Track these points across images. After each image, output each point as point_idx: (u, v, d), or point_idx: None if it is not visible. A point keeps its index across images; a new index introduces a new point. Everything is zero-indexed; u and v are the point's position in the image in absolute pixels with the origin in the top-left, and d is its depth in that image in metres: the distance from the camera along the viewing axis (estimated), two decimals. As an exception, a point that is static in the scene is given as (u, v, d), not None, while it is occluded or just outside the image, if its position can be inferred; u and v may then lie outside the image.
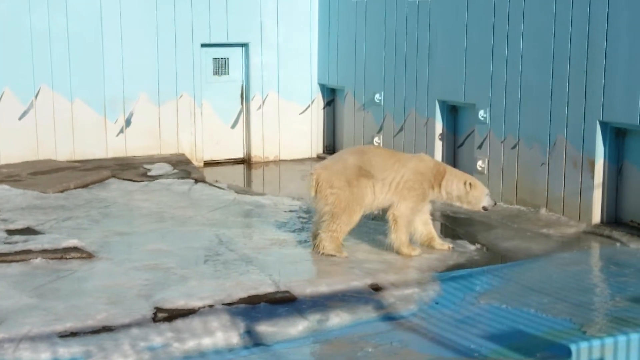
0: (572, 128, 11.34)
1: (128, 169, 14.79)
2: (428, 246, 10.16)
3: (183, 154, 16.10)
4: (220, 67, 16.75)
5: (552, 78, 11.58)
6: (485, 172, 12.74)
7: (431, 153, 13.87)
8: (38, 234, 10.39)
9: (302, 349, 7.26)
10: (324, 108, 17.31)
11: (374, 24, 15.26)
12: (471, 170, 12.96)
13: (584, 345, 7.06)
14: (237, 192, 13.37)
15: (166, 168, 14.87)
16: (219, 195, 13.07)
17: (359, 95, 15.83)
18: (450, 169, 10.24)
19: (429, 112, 14.01)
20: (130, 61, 15.68)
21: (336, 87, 16.86)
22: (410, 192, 9.81)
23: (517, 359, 6.93)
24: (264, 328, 7.55)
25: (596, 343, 7.12)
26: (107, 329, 7.42)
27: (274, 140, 16.96)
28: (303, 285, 8.54)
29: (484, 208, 10.15)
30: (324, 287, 8.52)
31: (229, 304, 7.98)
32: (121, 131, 15.87)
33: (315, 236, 10.00)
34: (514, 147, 12.23)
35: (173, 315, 7.73)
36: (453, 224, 11.54)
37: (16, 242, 9.92)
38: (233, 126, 16.96)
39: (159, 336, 7.33)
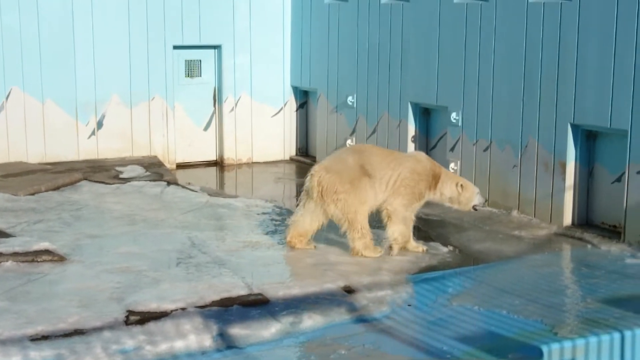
0: (544, 131, 11.41)
1: (100, 171, 14.71)
2: (402, 248, 10.20)
3: (155, 156, 16.04)
4: (192, 69, 16.70)
5: (523, 81, 11.65)
6: (458, 174, 12.76)
7: (404, 155, 13.90)
8: (9, 236, 10.30)
9: (275, 351, 7.25)
10: (296, 110, 17.30)
11: (347, 27, 15.28)
12: (443, 172, 13.03)
13: (555, 346, 7.11)
14: (210, 195, 13.34)
15: (138, 170, 14.80)
16: (192, 197, 13.03)
17: (331, 98, 15.84)
18: (445, 170, 10.40)
19: (402, 115, 14.05)
20: (102, 63, 15.59)
21: (309, 89, 16.86)
22: (406, 189, 9.91)
23: (489, 360, 6.99)
24: (236, 331, 7.54)
25: (567, 344, 7.17)
26: (78, 332, 7.38)
27: (246, 142, 16.92)
28: (276, 287, 8.53)
29: (474, 207, 10.32)
30: (296, 290, 8.52)
31: (201, 307, 7.96)
32: (93, 133, 15.79)
33: (292, 246, 10.05)
34: (486, 150, 12.29)
35: (145, 318, 7.70)
36: (425, 226, 11.56)
37: (-14, 245, 9.85)
38: (206, 128, 16.92)
39: (131, 339, 7.30)
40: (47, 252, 9.66)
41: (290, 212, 12.31)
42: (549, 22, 11.24)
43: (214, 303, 8.08)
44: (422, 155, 10.39)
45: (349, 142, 15.24)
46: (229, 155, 16.84)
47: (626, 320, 7.65)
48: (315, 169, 9.98)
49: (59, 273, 9.09)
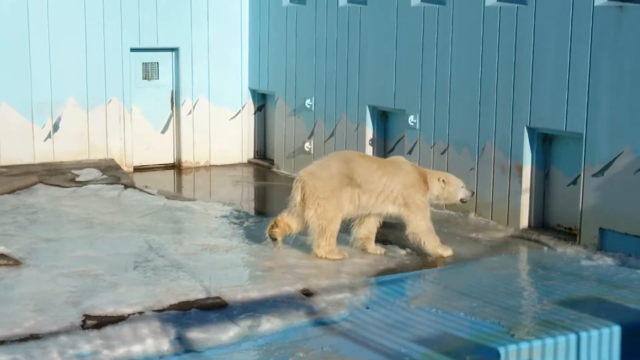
0: (500, 134, 11.50)
1: (56, 174, 14.57)
2: (362, 249, 10.27)
3: (112, 160, 15.91)
4: (150, 72, 16.60)
5: (480, 84, 11.74)
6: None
7: (362, 158, 13.93)
8: (-37, 240, 10.20)
9: (233, 355, 7.23)
10: (254, 113, 17.26)
11: (305, 29, 15.29)
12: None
13: (512, 348, 7.17)
14: (168, 198, 13.27)
15: (95, 173, 14.69)
16: (149, 200, 12.95)
17: (289, 101, 15.83)
18: (429, 171, 10.52)
19: (360, 118, 14.08)
20: (58, 65, 15.44)
21: (267, 92, 16.83)
22: (413, 205, 10.07)
23: (447, 362, 7.02)
24: (194, 334, 7.50)
25: (524, 346, 7.24)
26: (34, 337, 7.31)
27: (204, 145, 16.85)
28: (234, 290, 8.52)
29: (462, 200, 10.48)
30: (255, 293, 8.50)
31: (159, 311, 7.92)
32: (49, 136, 15.62)
33: (274, 238, 10.15)
34: (443, 153, 12.35)
35: (102, 322, 7.65)
36: (383, 229, 11.57)
37: (-60, 249, 9.73)
38: (163, 131, 16.82)
39: (88, 344, 7.24)
40: (2, 256, 9.56)
41: (248, 215, 12.37)
42: (505, 26, 11.33)
43: (171, 307, 8.05)
44: (407, 164, 10.45)
45: (307, 145, 15.25)
46: (187, 158, 16.76)
47: (582, 322, 7.73)
48: (301, 174, 10.13)
49: (14, 277, 9.00)
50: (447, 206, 12.17)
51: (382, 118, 14.07)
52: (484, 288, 9.08)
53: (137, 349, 7.25)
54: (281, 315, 7.94)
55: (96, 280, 8.87)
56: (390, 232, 11.39)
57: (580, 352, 7.46)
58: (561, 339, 7.40)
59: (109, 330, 7.50)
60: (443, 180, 10.28)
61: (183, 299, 8.25)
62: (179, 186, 15.69)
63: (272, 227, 10.18)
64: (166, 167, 16.76)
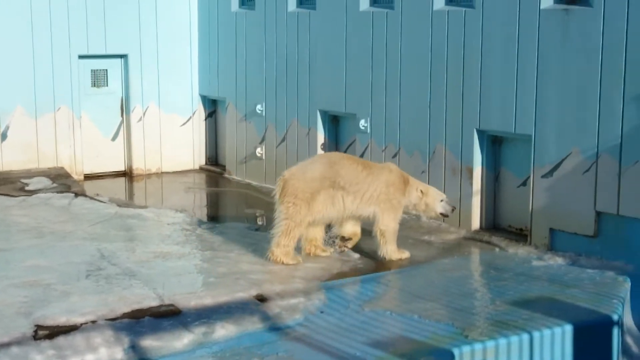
0: (451, 136, 11.58)
1: (5, 183, 14.39)
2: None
3: (62, 168, 15.76)
4: (99, 79, 16.47)
5: (430, 88, 11.82)
6: (367, 181, 12.88)
7: (314, 163, 13.94)
8: None
9: (188, 362, 7.21)
10: (205, 119, 17.21)
11: (254, 35, 15.28)
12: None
13: (466, 349, 7.22)
14: (119, 206, 13.17)
15: (45, 182, 14.53)
16: (100, 208, 12.84)
17: (240, 106, 15.81)
18: (412, 178, 10.48)
19: (311, 122, 14.10)
20: (5, 73, 15.26)
21: (217, 98, 16.79)
22: (387, 203, 10.07)
23: (402, 364, 7.05)
24: (148, 342, 7.45)
25: (478, 347, 7.29)
26: (-15, 349, 7.22)
27: (155, 152, 16.76)
28: (187, 297, 8.47)
29: (442, 214, 10.44)
30: (208, 299, 8.46)
31: (112, 319, 7.85)
32: (-3, 145, 15.45)
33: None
34: (394, 156, 12.41)
35: (54, 332, 7.56)
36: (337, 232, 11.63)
37: None
38: (113, 138, 16.70)
39: (40, 354, 7.16)
40: (-50, 267, 9.43)
41: (201, 222, 12.31)
42: (454, 30, 11.43)
43: (124, 315, 7.98)
44: (392, 165, 10.55)
45: (258, 150, 15.23)
46: (138, 166, 16.65)
47: (534, 321, 7.81)
48: (284, 173, 10.19)
49: (-37, 289, 8.87)
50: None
51: (333, 122, 14.10)
52: (437, 290, 9.14)
53: (90, 358, 7.18)
54: (235, 322, 7.91)
55: (48, 290, 8.77)
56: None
57: (533, 352, 7.54)
58: (514, 339, 7.46)
59: (61, 340, 7.42)
60: (421, 191, 10.28)
61: (136, 307, 8.18)
62: (130, 194, 15.58)
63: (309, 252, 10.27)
64: (117, 174, 16.64)
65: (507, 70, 10.75)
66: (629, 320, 8.98)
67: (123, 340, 7.45)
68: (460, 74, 11.36)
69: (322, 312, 8.26)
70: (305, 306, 8.40)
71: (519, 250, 10.42)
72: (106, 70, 16.47)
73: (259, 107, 15.22)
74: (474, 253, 10.56)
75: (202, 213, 13.73)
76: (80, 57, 15.95)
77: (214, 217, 13.39)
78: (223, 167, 16.60)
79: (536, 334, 7.56)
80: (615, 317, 8.08)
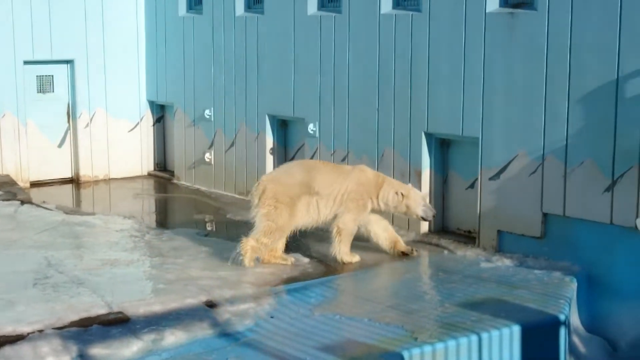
0: (399, 140, 11.63)
1: (-51, 192, 14.19)
2: (394, 250, 10.42)
3: (7, 175, 15.53)
4: (44, 85, 16.28)
5: (378, 91, 11.85)
6: (317, 185, 12.89)
7: (262, 167, 13.96)
8: None
9: (137, 370, 7.16)
10: (153, 125, 17.10)
11: (202, 40, 15.22)
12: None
13: (415, 351, 7.26)
14: (66, 213, 13.04)
15: (-10, 190, 14.35)
16: (47, 216, 12.69)
17: (189, 111, 15.73)
18: (388, 180, 10.49)
19: (260, 127, 14.08)
20: (-51, 80, 15.06)
21: (165, 103, 16.69)
22: (353, 203, 10.11)
23: (352, 368, 7.06)
24: (97, 350, 7.38)
25: (427, 349, 7.33)
26: None
27: (103, 158, 16.59)
28: (136, 305, 8.40)
29: (422, 217, 10.45)
30: (158, 306, 8.40)
31: (59, 328, 7.76)
32: (-60, 153, 15.21)
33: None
34: (343, 160, 12.43)
35: (1, 342, 7.45)
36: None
37: None
38: (60, 145, 16.51)
39: (-14, 365, 7.07)
40: None
41: (149, 228, 12.22)
42: (401, 34, 11.48)
43: (72, 323, 7.90)
44: (365, 167, 10.60)
45: (207, 155, 15.17)
46: (85, 172, 16.47)
47: (482, 323, 7.88)
48: (262, 178, 10.29)
49: None
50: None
51: (282, 127, 14.10)
52: (387, 293, 9.19)
53: (37, 368, 7.11)
54: (185, 328, 7.87)
55: (-7, 300, 8.66)
56: (293, 240, 11.41)
57: (481, 353, 7.60)
58: (463, 341, 7.52)
59: (7, 350, 7.32)
60: (402, 194, 10.26)
61: (84, 315, 8.11)
62: (77, 201, 15.41)
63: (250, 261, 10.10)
64: (64, 181, 16.43)
65: (454, 74, 10.82)
66: (575, 320, 9.11)
67: (71, 349, 7.37)
68: (408, 77, 11.41)
69: (272, 317, 8.24)
70: (255, 311, 8.38)
71: (468, 253, 10.50)
72: (52, 76, 16.28)
73: (207, 112, 15.17)
74: (423, 256, 10.59)
75: (151, 219, 13.63)
76: (26, 62, 15.75)
77: (163, 223, 13.31)
78: (172, 173, 16.51)
79: (485, 335, 7.62)
80: (562, 317, 8.19)
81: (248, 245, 9.94)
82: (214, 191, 14.98)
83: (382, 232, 10.49)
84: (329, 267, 10.17)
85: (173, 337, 7.70)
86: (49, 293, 8.91)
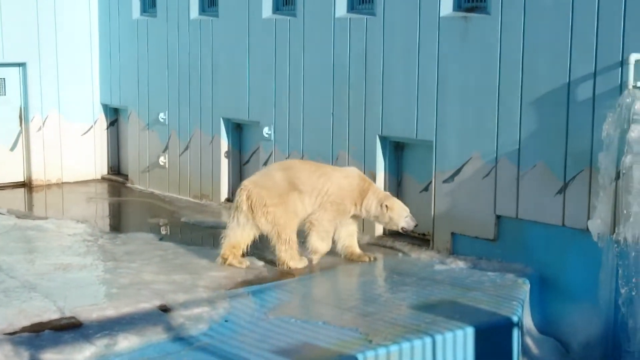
0: (354, 143, 11.65)
1: None
2: (349, 258, 10.38)
3: (-42, 179, 15.38)
4: (-4, 88, 16.12)
5: (333, 95, 11.88)
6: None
7: (217, 171, 13.93)
8: None
9: (90, 375, 7.10)
10: (107, 128, 16.98)
11: (156, 43, 15.14)
12: (258, 187, 13.08)
13: (370, 354, 7.27)
14: (18, 217, 12.91)
15: (-60, 194, 14.16)
16: (-2, 220, 12.57)
17: (143, 115, 15.64)
18: (373, 188, 10.43)
19: (214, 130, 14.04)
20: None
21: (119, 106, 16.58)
22: (332, 205, 10.10)
23: (307, 371, 7.06)
24: (49, 356, 7.29)
25: (382, 351, 7.35)
26: None
27: (55, 162, 16.43)
28: (89, 309, 8.33)
29: (403, 229, 10.35)
30: (111, 311, 8.34)
31: (11, 334, 7.67)
32: None
33: (225, 258, 10.15)
34: (298, 163, 12.41)
35: (-50, 348, 7.36)
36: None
37: None
38: (12, 149, 16.33)
39: None
40: None
41: (103, 232, 12.12)
42: (356, 37, 11.51)
43: (24, 329, 7.81)
44: (352, 170, 10.58)
45: (161, 159, 15.09)
46: (38, 176, 16.30)
47: (437, 325, 7.91)
48: (245, 183, 10.23)
49: None
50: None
51: (237, 130, 14.07)
52: (342, 296, 9.20)
53: (-12, 374, 7.03)
54: (138, 333, 7.81)
55: (-57, 305, 8.54)
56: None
57: (436, 355, 7.63)
58: (417, 343, 7.55)
59: (-43, 356, 7.24)
60: (386, 206, 10.22)
61: (36, 320, 8.02)
62: (29, 205, 15.24)
63: (223, 262, 10.15)
64: (16, 185, 16.25)
65: (409, 77, 10.87)
66: (528, 322, 9.19)
67: (23, 354, 7.28)
68: (363, 80, 11.45)
69: (226, 321, 8.21)
70: (209, 315, 8.33)
71: (422, 255, 10.55)
72: (4, 79, 16.09)
73: (161, 115, 15.09)
74: (377, 258, 10.61)
75: (105, 223, 13.52)
76: (-24, 65, 15.59)
77: (117, 228, 13.20)
78: (126, 177, 16.40)
79: (439, 337, 7.66)
80: (515, 319, 8.25)
81: (282, 261, 10.06)
82: (169, 195, 14.91)
83: (345, 238, 10.49)
84: (284, 270, 10.14)
85: (126, 342, 7.63)
86: (0, 298, 8.79)
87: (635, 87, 8.59)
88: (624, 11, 8.74)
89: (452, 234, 10.55)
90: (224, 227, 11.82)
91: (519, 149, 9.80)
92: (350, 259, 10.43)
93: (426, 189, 11.07)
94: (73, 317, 8.14)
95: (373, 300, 8.88)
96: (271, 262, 10.36)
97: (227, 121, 13.95)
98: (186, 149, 14.66)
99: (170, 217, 13.30)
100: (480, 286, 9.22)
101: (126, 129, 16.38)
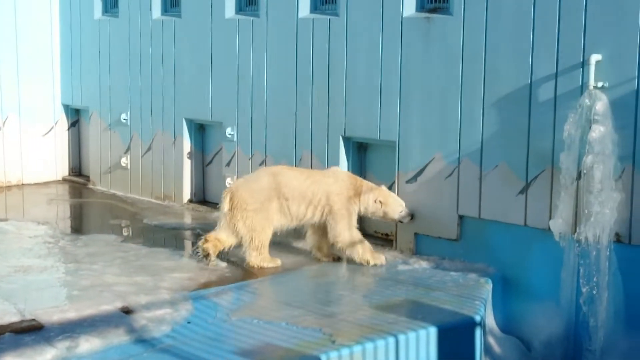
0: (317, 143, 11.65)
1: None
2: (315, 256, 10.46)
3: None
4: (-45, 89, 15.92)
5: (296, 96, 11.87)
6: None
7: (179, 172, 13.86)
8: None
9: (51, 378, 7.02)
10: (68, 129, 16.83)
11: (118, 43, 15.04)
12: (221, 188, 13.02)
13: (333, 354, 7.26)
14: (-23, 219, 12.78)
15: None
16: (-43, 222, 12.42)
17: (104, 116, 15.52)
18: (366, 184, 10.38)
19: (177, 131, 13.97)
20: None
21: (81, 107, 16.44)
22: (339, 213, 10.09)
23: (270, 372, 7.04)
24: (9, 359, 7.21)
25: (345, 352, 7.34)
26: None
27: (16, 163, 16.24)
28: (50, 312, 8.24)
29: (400, 221, 10.38)
30: (72, 313, 8.25)
31: (-30, 337, 7.59)
32: None
33: (206, 249, 10.21)
34: (261, 163, 12.40)
35: None
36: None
37: None
38: (-29, 150, 16.15)
39: None
40: None
41: (64, 234, 12.03)
42: (319, 38, 11.51)
43: (-16, 332, 7.73)
44: (339, 172, 10.56)
45: (123, 160, 14.99)
46: (-2, 178, 16.14)
47: (400, 325, 7.93)
48: (231, 185, 10.39)
49: None
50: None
51: (200, 131, 14.01)
52: (305, 296, 9.18)
53: (-54, 378, 6.93)
54: (100, 335, 7.74)
55: None
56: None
57: (399, 355, 7.64)
58: (380, 343, 7.55)
59: None
60: (380, 202, 10.22)
61: (-4, 323, 7.94)
62: (-11, 207, 15.09)
63: (204, 242, 10.24)
64: (-25, 187, 16.09)
65: (372, 78, 10.89)
66: (490, 321, 9.24)
67: (-18, 358, 7.21)
68: (326, 81, 11.45)
69: (189, 322, 8.17)
70: (172, 317, 8.28)
71: (385, 255, 10.54)
72: (-38, 80, 15.92)
73: (123, 116, 14.99)
74: (341, 259, 10.60)
75: (66, 225, 13.39)
76: None
77: (78, 229, 13.08)
78: (87, 178, 16.27)
79: (402, 337, 7.67)
80: (477, 318, 8.29)
81: (253, 263, 10.12)
82: (131, 196, 14.82)
83: (316, 235, 10.49)
84: (247, 271, 10.12)
85: (88, 344, 7.56)
86: (-40, 301, 8.70)
87: (595, 87, 8.68)
88: (585, 12, 8.83)
89: (415, 234, 10.58)
90: (187, 229, 11.86)
91: (481, 149, 9.85)
92: (316, 258, 10.44)
93: (389, 189, 11.06)
94: (34, 320, 8.05)
95: (336, 301, 8.89)
96: (234, 263, 10.33)
97: (190, 122, 13.89)
98: (148, 149, 14.57)
99: (132, 219, 13.22)
100: (443, 286, 9.25)
101: (88, 130, 16.25)
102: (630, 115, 8.63)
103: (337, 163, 11.36)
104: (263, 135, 12.42)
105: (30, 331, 7.82)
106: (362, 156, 11.58)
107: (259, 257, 10.12)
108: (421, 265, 10.14)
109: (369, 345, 7.48)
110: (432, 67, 10.26)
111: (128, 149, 15.03)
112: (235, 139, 12.87)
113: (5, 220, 12.88)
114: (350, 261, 10.28)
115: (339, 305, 8.72)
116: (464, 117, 10.00)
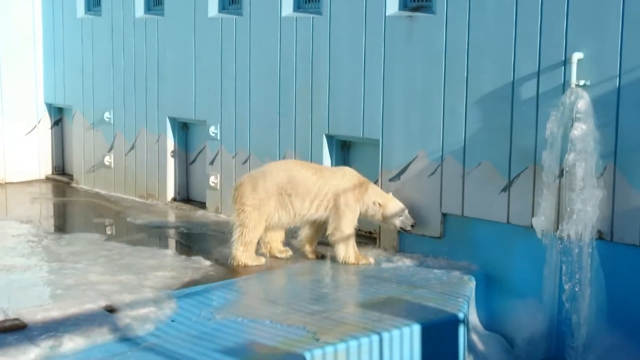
0: (300, 141, 11.67)
1: None
2: (301, 247, 10.49)
3: None
4: (-64, 88, 15.85)
5: (279, 95, 11.88)
6: (218, 187, 12.85)
7: (163, 170, 13.85)
8: None
9: (35, 377, 7.01)
10: (51, 128, 16.78)
11: (101, 42, 15.00)
12: (204, 186, 13.04)
13: (317, 352, 7.28)
14: (-40, 218, 12.73)
15: None
16: (-60, 222, 12.37)
17: (87, 114, 15.49)
18: (371, 186, 10.35)
19: (160, 130, 13.95)
20: None
21: (64, 106, 16.40)
22: (343, 210, 10.07)
23: (254, 370, 7.05)
24: (-8, 359, 7.22)
25: (329, 349, 7.36)
26: None
27: (-2, 162, 16.23)
28: (33, 311, 8.22)
29: (401, 228, 10.29)
30: (55, 312, 8.23)
31: (-47, 336, 7.57)
32: None
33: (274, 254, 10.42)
34: (245, 162, 12.41)
35: None
36: (187, 240, 11.55)
37: None
38: (-46, 149, 16.09)
39: None
40: None
41: (47, 233, 11.99)
42: (302, 36, 11.52)
43: (-33, 331, 7.71)
44: (348, 169, 10.51)
45: (107, 159, 14.96)
46: (-20, 177, 16.09)
47: (383, 322, 7.95)
48: (242, 176, 10.41)
49: None
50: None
51: (183, 129, 14.00)
52: (289, 295, 9.20)
53: None
54: (84, 334, 7.72)
55: None
56: (195, 243, 11.39)
57: (383, 352, 7.67)
58: (364, 341, 7.57)
59: None
60: (379, 204, 10.18)
61: (-21, 322, 7.92)
62: (-28, 206, 15.04)
63: (264, 249, 10.43)
64: (-42, 186, 16.03)
65: (355, 76, 10.92)
66: (474, 318, 9.28)
67: (-35, 357, 7.19)
68: (309, 79, 11.46)
69: (173, 321, 8.17)
70: (156, 316, 8.27)
71: (369, 253, 10.55)
72: (-55, 78, 15.86)
73: (107, 114, 14.96)
74: (325, 257, 10.61)
75: (49, 224, 13.35)
76: None
77: (62, 228, 13.04)
78: (70, 177, 16.23)
79: (385, 335, 7.70)
80: (461, 316, 8.32)
81: (237, 259, 10.09)
82: (114, 195, 14.79)
83: (306, 232, 10.51)
84: (231, 269, 10.12)
85: (72, 343, 7.55)
86: (-58, 301, 8.67)
87: (577, 85, 8.73)
88: (567, 10, 8.88)
89: (399, 232, 10.60)
90: (170, 227, 11.84)
91: (464, 147, 9.89)
92: (302, 250, 10.48)
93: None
94: (17, 319, 8.02)
95: (320, 299, 8.89)
96: (217, 261, 10.33)
97: (173, 120, 13.88)
98: (132, 148, 14.55)
99: (116, 217, 13.20)
100: (427, 284, 9.28)
101: (71, 129, 16.21)
102: (611, 113, 8.68)
103: (320, 161, 11.38)
104: (247, 133, 12.43)
105: (14, 330, 7.79)
106: (346, 154, 11.60)
107: (244, 253, 10.10)
108: (405, 262, 10.17)
109: (353, 343, 7.51)
110: (415, 66, 10.29)
111: (111, 148, 15.00)
112: (218, 137, 12.87)
113: (-12, 219, 12.85)
114: (334, 259, 10.30)
115: (323, 303, 8.73)
116: (446, 115, 10.04)
